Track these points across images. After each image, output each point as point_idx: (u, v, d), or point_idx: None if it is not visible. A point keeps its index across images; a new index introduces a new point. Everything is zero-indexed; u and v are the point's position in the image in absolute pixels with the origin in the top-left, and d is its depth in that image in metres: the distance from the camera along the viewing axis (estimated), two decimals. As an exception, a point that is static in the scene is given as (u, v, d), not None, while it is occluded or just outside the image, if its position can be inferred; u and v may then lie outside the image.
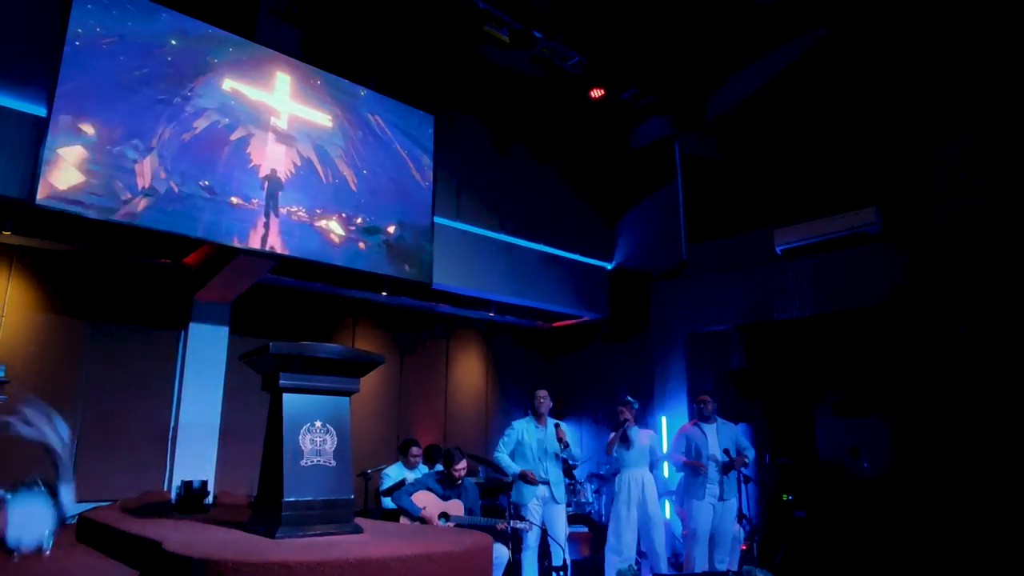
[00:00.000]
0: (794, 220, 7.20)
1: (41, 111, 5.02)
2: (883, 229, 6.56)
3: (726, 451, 5.69)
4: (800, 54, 7.50)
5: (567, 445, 5.58)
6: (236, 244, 5.72)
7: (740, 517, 5.95)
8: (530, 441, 5.65)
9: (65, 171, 4.95)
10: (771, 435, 7.26)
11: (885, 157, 6.70)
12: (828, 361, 6.96)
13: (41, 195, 4.81)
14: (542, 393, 5.80)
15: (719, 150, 8.36)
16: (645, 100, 8.21)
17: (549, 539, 5.62)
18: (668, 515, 7.10)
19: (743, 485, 6.14)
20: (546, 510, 5.59)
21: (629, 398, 6.13)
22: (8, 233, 5.49)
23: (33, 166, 4.88)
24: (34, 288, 5.93)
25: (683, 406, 7.89)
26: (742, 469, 5.84)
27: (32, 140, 4.96)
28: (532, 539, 5.53)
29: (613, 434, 5.95)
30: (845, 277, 6.83)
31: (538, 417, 5.74)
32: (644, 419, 8.30)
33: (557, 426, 5.65)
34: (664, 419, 7.99)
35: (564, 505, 5.68)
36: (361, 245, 6.57)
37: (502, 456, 5.62)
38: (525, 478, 5.49)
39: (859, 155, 6.95)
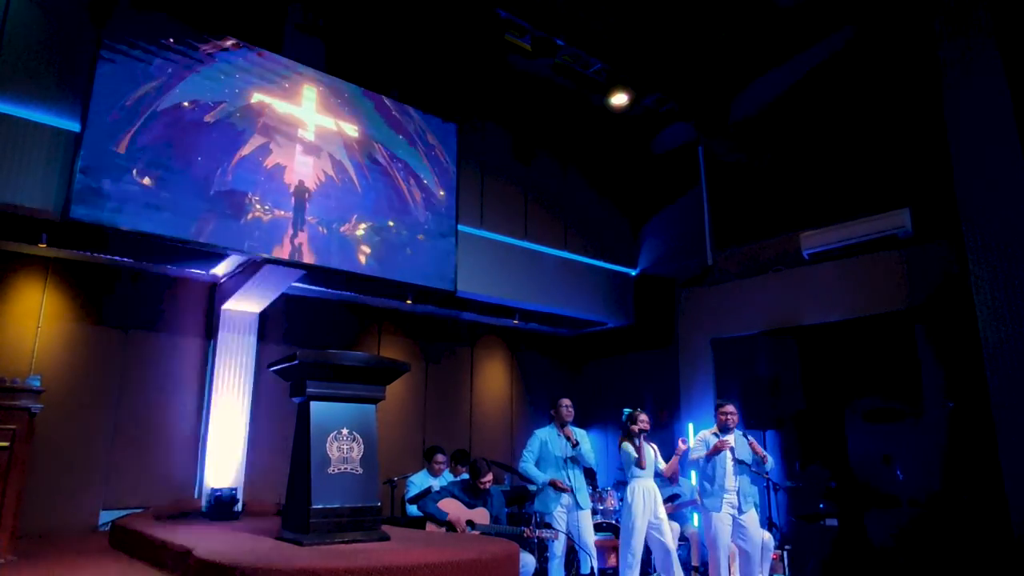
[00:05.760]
0: (822, 224, 7.09)
1: (75, 126, 5.15)
2: (914, 232, 6.44)
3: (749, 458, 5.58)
4: (826, 56, 7.41)
5: (576, 443, 5.56)
6: (265, 255, 5.79)
7: (770, 526, 5.85)
8: (553, 449, 5.63)
9: (96, 184, 5.06)
10: (801, 442, 7.15)
11: (916, 158, 6.58)
12: (859, 366, 6.84)
13: (74, 208, 4.93)
14: (566, 402, 5.79)
15: (744, 154, 8.28)
16: (668, 105, 8.17)
17: (577, 547, 5.57)
18: (696, 524, 7.01)
19: (772, 493, 6.03)
20: (571, 517, 5.55)
21: (639, 408, 6.01)
22: (43, 245, 5.62)
23: (67, 180, 5.01)
24: (68, 299, 6.07)
25: (710, 413, 7.80)
26: (770, 476, 5.74)
27: (66, 155, 5.08)
28: (559, 548, 5.49)
29: (632, 446, 5.77)
30: (875, 281, 6.71)
31: (561, 425, 5.72)
32: (671, 426, 8.23)
33: (564, 427, 5.64)
34: (691, 426, 7.91)
35: (589, 511, 5.64)
36: (385, 253, 6.62)
37: (528, 467, 5.61)
38: (555, 486, 5.49)
39: (888, 157, 6.83)
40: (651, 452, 5.81)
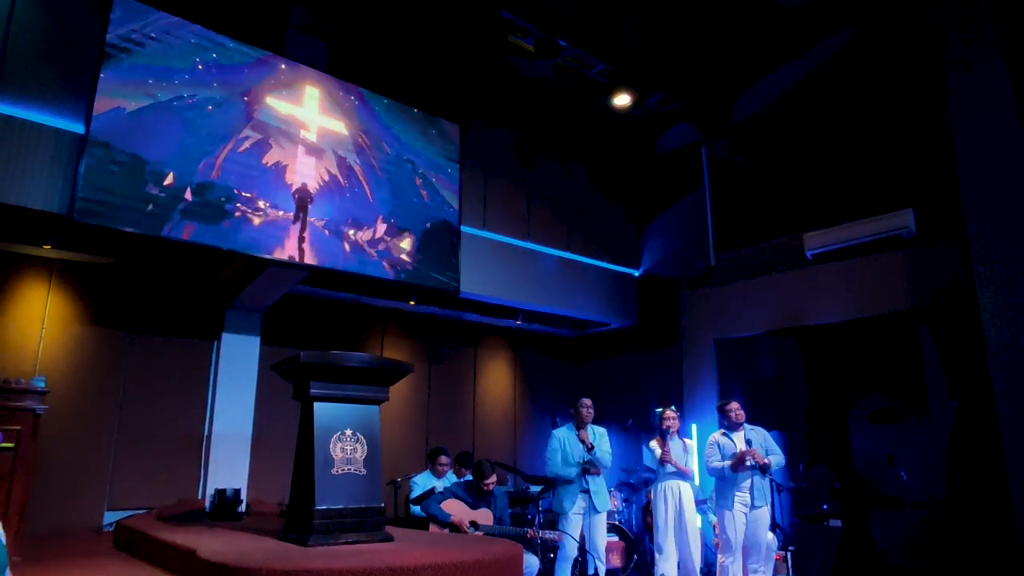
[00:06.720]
0: (825, 224, 7.08)
1: (79, 128, 5.16)
2: (918, 232, 6.43)
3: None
4: (829, 56, 7.39)
5: (592, 447, 5.53)
6: (268, 256, 5.80)
7: (774, 526, 5.82)
8: (572, 451, 5.57)
9: (100, 185, 5.07)
10: (805, 443, 7.13)
11: (919, 158, 6.56)
12: (862, 367, 6.83)
13: (79, 210, 4.94)
14: (587, 402, 5.72)
15: (747, 154, 8.28)
16: (671, 106, 8.17)
17: (586, 549, 5.54)
18: (700, 524, 7.01)
19: (776, 494, 6.01)
20: (586, 520, 5.51)
21: (673, 407, 6.09)
22: (48, 247, 5.64)
23: (72, 182, 5.02)
24: (73, 300, 6.08)
25: (714, 413, 7.78)
26: (773, 476, 5.72)
27: (71, 157, 5.09)
28: (572, 549, 5.43)
29: (658, 443, 5.83)
30: (879, 281, 6.69)
31: (579, 427, 5.67)
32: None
33: (581, 429, 5.62)
34: (695, 426, 7.89)
35: (604, 514, 5.59)
36: (389, 254, 6.63)
37: (558, 468, 5.54)
38: (588, 471, 5.46)
39: (892, 157, 6.82)
40: (678, 450, 5.80)
